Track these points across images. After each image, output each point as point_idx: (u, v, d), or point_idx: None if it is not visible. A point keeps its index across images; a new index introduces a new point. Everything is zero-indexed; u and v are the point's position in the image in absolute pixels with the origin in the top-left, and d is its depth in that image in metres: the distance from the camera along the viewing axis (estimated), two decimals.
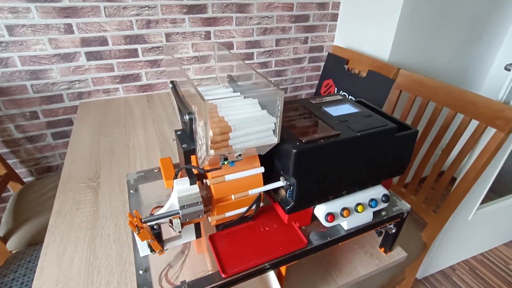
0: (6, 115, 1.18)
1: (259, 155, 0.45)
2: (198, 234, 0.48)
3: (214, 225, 0.50)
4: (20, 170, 1.29)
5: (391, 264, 0.62)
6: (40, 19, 1.08)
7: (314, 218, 0.52)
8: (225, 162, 0.39)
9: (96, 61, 1.22)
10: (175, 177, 0.44)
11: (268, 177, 0.48)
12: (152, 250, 0.43)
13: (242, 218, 0.50)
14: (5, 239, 0.99)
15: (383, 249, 0.63)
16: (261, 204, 0.47)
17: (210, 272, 0.43)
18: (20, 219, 1.04)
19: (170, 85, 0.49)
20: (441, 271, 1.44)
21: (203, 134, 0.35)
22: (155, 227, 0.42)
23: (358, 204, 0.51)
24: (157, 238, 0.42)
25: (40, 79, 1.17)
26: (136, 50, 1.26)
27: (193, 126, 0.41)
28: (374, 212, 0.54)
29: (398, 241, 0.63)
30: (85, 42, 1.17)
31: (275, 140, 0.39)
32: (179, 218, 0.41)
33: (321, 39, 1.60)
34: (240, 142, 0.37)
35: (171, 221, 0.44)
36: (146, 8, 1.20)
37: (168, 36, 1.28)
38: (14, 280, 0.83)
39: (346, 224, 0.51)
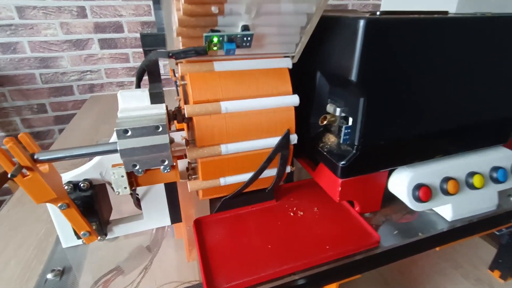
0: (13, 106, 1.08)
1: (290, 71, 0.24)
2: (176, 217, 0.26)
3: (208, 201, 0.29)
4: None
5: None
6: (52, 0, 1.00)
7: (386, 199, 0.29)
8: (214, 46, 0.19)
9: (110, 50, 1.11)
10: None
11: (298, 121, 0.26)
12: (76, 235, 0.22)
13: (254, 193, 0.28)
14: None
15: (498, 272, 0.37)
16: (289, 170, 0.26)
17: (186, 286, 0.22)
18: None
19: None
20: None
21: None
22: (82, 186, 0.22)
23: (472, 174, 0.27)
24: (84, 206, 0.21)
25: (49, 68, 1.07)
26: None
27: None
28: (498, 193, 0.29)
29: None
30: (98, 27, 1.07)
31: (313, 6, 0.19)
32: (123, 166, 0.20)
33: (367, 8, 1.39)
34: None
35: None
36: None
37: None
38: None
39: (450, 209, 0.27)
